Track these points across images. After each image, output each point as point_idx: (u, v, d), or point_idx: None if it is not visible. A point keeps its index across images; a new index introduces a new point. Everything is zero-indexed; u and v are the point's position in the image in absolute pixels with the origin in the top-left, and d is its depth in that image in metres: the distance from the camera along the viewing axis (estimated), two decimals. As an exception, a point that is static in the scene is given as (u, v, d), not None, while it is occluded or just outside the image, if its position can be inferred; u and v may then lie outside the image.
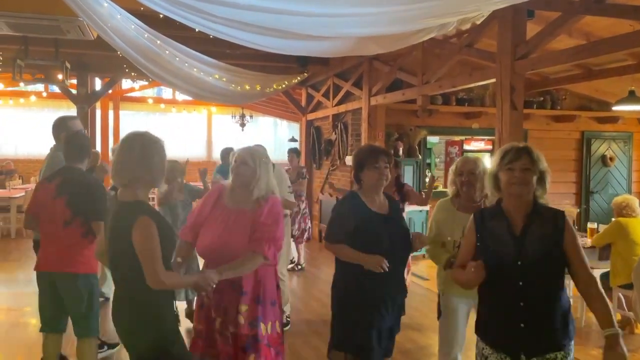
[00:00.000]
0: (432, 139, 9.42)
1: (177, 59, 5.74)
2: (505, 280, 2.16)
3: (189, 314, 4.90)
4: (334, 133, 9.21)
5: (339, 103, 8.92)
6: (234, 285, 2.75)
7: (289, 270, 6.15)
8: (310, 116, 10.41)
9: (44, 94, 14.42)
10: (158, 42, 5.40)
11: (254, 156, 2.84)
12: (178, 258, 2.82)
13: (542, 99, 8.76)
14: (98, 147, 11.47)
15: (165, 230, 2.33)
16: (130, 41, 5.18)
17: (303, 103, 10.71)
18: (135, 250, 2.22)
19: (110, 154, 9.45)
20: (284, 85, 8.61)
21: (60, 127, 3.74)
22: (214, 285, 2.49)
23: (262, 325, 2.77)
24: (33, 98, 14.50)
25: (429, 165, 9.59)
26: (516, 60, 4.75)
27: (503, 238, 2.19)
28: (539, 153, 2.21)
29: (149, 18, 5.25)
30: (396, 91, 7.10)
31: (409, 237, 2.90)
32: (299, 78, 9.00)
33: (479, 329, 2.30)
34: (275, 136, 17.49)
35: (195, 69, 6.09)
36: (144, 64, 5.56)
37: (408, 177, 8.52)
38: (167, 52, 5.56)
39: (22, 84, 12.86)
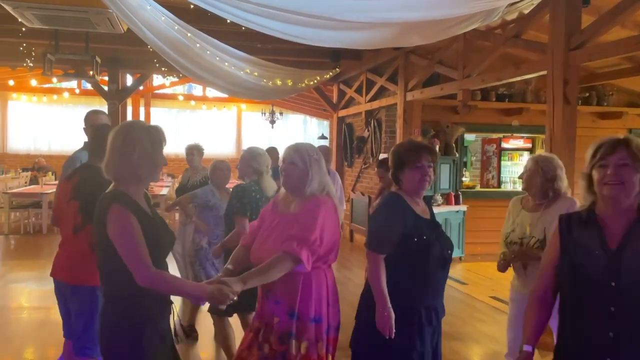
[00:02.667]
0: (469, 137, 9.06)
1: (208, 52, 5.56)
2: (592, 303, 1.75)
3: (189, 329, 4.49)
4: (366, 130, 8.94)
5: (372, 99, 8.64)
6: (268, 292, 2.46)
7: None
8: (342, 113, 10.15)
9: (77, 91, 14.57)
10: (188, 34, 5.23)
11: (302, 154, 2.51)
12: (229, 265, 2.56)
13: (587, 94, 8.29)
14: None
15: (149, 226, 2.05)
16: (160, 33, 5.02)
17: (335, 99, 10.46)
18: (112, 244, 1.96)
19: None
20: (315, 81, 8.37)
21: (85, 121, 3.55)
22: (235, 298, 2.12)
23: (294, 343, 2.39)
24: (66, 95, 14.67)
25: (465, 164, 9.24)
26: (570, 51, 4.40)
27: (593, 251, 1.78)
28: None
29: (180, 10, 5.10)
30: (434, 86, 6.78)
31: (452, 246, 2.62)
32: (331, 73, 8.76)
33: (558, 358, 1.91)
34: (305, 133, 17.31)
35: (226, 63, 5.90)
36: (174, 58, 5.40)
37: (444, 176, 8.19)
38: (197, 45, 5.38)
39: (54, 80, 13.00)
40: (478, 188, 8.93)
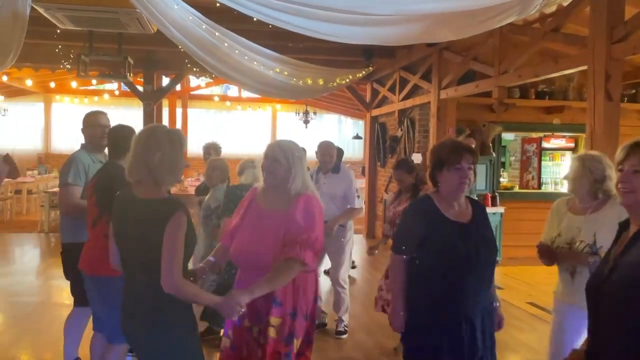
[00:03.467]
0: (507, 136, 8.76)
1: (237, 51, 5.52)
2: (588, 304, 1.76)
3: (212, 316, 4.49)
4: (399, 129, 8.75)
5: (406, 97, 8.46)
6: (267, 293, 2.41)
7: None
8: (375, 112, 9.99)
9: (117, 92, 14.90)
10: (216, 34, 5.20)
11: (286, 152, 2.49)
12: (211, 257, 2.61)
13: (633, 91, 7.88)
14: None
15: (191, 234, 2.12)
16: (188, 33, 5.00)
17: (368, 98, 10.32)
18: (161, 242, 2.02)
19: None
20: (347, 80, 8.25)
21: (83, 122, 3.67)
22: (242, 309, 2.16)
23: (295, 342, 2.44)
24: (106, 96, 15.02)
25: (503, 164, 8.93)
26: (612, 44, 4.13)
27: (609, 255, 1.75)
28: None
29: (206, 9, 5.07)
30: (468, 83, 6.55)
31: (494, 248, 2.48)
32: (363, 72, 8.61)
33: None
34: (340, 133, 17.20)
35: (255, 62, 5.86)
36: (203, 57, 5.38)
37: (480, 177, 7.94)
38: (225, 44, 5.35)
39: (93, 82, 13.34)
40: (517, 189, 8.62)
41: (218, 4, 4.56)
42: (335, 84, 7.86)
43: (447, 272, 2.35)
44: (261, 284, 2.27)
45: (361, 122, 15.31)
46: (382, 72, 9.24)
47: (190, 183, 11.59)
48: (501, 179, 8.65)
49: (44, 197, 9.96)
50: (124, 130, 3.17)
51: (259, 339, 2.45)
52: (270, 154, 2.50)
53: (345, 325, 4.72)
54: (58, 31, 6.30)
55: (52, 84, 12.94)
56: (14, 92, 14.01)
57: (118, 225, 2.23)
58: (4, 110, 12.95)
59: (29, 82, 12.05)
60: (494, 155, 8.02)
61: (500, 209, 7.69)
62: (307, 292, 2.48)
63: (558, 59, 5.11)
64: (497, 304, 2.56)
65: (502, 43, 5.77)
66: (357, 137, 15.10)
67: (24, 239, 9.24)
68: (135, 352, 2.25)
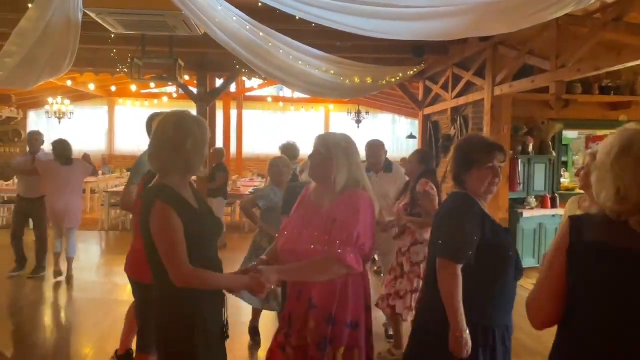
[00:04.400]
0: (569, 134, 8.28)
1: (281, 51, 5.49)
2: None
3: (253, 330, 4.54)
4: (452, 128, 8.47)
5: (459, 95, 8.17)
6: (300, 293, 2.31)
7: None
8: (428, 110, 9.73)
9: (174, 95, 15.34)
10: (260, 34, 5.19)
11: (329, 143, 2.34)
12: (264, 256, 2.51)
13: None
14: (220, 146, 11.84)
15: (191, 218, 1.99)
16: (232, 34, 5.02)
17: (420, 97, 10.07)
18: (152, 244, 1.94)
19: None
20: (398, 78, 8.06)
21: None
22: (272, 287, 2.07)
23: (331, 351, 2.25)
24: (165, 99, 15.51)
25: (564, 164, 8.45)
26: (682, 31, 3.78)
27: None
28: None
29: (250, 9, 5.07)
30: (524, 79, 6.22)
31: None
32: (415, 70, 8.39)
33: None
34: (394, 133, 16.93)
35: (300, 62, 5.81)
36: (248, 58, 5.39)
37: (539, 177, 7.55)
38: (270, 44, 5.33)
39: (152, 85, 13.78)
40: (580, 190, 8.13)
41: (260, 4, 4.55)
42: (384, 82, 7.70)
43: (503, 278, 2.17)
44: (293, 268, 2.18)
45: (416, 121, 15.03)
46: (435, 70, 8.98)
47: (244, 183, 11.75)
48: (562, 180, 8.18)
49: (104, 197, 10.38)
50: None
51: (297, 341, 2.34)
52: (314, 146, 2.41)
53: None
54: (112, 36, 6.52)
55: (113, 88, 13.48)
56: (79, 97, 14.72)
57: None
58: (70, 113, 13.60)
59: (91, 87, 12.60)
60: (554, 154, 7.60)
61: (560, 211, 7.26)
62: (348, 298, 2.27)
63: (621, 50, 4.74)
64: None
65: (560, 35, 5.43)
66: (411, 136, 14.79)
67: (87, 236, 9.65)
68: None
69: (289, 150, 5.64)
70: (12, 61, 5.49)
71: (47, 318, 5.37)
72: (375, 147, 4.82)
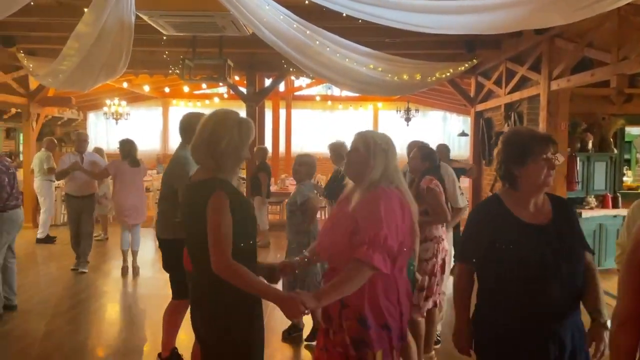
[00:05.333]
0: (633, 130, 7.84)
1: (328, 49, 5.47)
2: None
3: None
4: (506, 124, 8.18)
5: (513, 90, 7.88)
6: None
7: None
8: (480, 107, 9.45)
9: (225, 95, 15.62)
10: (307, 32, 5.19)
11: (367, 141, 2.28)
12: (306, 252, 2.50)
13: None
14: (268, 146, 11.97)
15: (243, 214, 2.06)
16: (279, 33, 5.04)
17: (472, 93, 9.79)
18: (205, 233, 2.02)
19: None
20: (448, 74, 7.86)
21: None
22: (307, 312, 1.99)
23: (369, 353, 2.19)
24: (216, 100, 15.82)
25: (627, 161, 8.01)
26: None
27: None
28: None
29: (296, 8, 5.07)
30: (583, 72, 5.92)
31: (579, 253, 2.12)
32: (466, 65, 8.17)
33: None
34: (445, 130, 16.60)
35: (347, 59, 5.76)
36: (295, 56, 5.40)
37: (599, 175, 7.18)
38: (317, 42, 5.32)
39: (204, 86, 14.07)
40: (644, 189, 7.69)
41: (307, 2, 4.55)
42: (434, 78, 7.53)
43: (525, 283, 2.03)
44: (328, 289, 2.11)
45: (467, 118, 14.67)
46: (487, 65, 8.70)
47: (292, 182, 11.80)
48: (625, 178, 7.76)
49: (157, 195, 10.67)
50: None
51: (334, 341, 2.30)
52: (352, 143, 2.36)
53: (438, 335, 4.45)
54: (164, 38, 6.69)
55: (167, 89, 13.86)
56: (135, 98, 15.23)
57: (182, 213, 2.25)
58: (127, 114, 14.10)
59: (146, 88, 13.01)
60: (616, 151, 7.21)
61: (623, 212, 6.89)
62: (377, 297, 2.19)
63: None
64: (603, 320, 2.08)
65: (621, 26, 5.12)
66: (462, 134, 14.45)
67: (141, 233, 9.95)
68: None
69: (337, 149, 5.62)
70: (71, 64, 5.74)
71: (103, 312, 5.56)
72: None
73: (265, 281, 2.31)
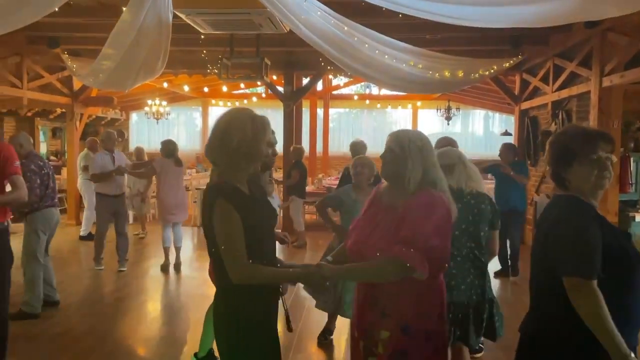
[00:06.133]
0: (692, 129, 7.36)
1: (366, 45, 5.31)
2: None
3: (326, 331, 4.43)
4: (553, 123, 7.83)
5: (561, 88, 7.52)
6: (372, 300, 2.15)
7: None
8: (525, 105, 9.10)
9: (263, 95, 15.66)
10: (345, 28, 5.05)
11: (402, 140, 2.18)
12: (329, 257, 2.42)
13: None
14: (305, 145, 11.90)
15: (252, 218, 2.01)
16: (317, 29, 4.92)
17: (517, 91, 9.43)
18: (214, 240, 2.01)
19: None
20: (492, 71, 7.57)
21: None
22: (327, 283, 2.05)
23: None
24: (254, 99, 15.88)
25: (685, 163, 7.53)
26: None
27: None
28: None
29: (334, 3, 4.95)
30: (638, 67, 5.57)
31: None
32: (511, 61, 7.85)
33: None
34: (486, 130, 16.15)
35: (386, 56, 5.59)
36: (332, 53, 5.27)
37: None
38: (355, 38, 5.17)
39: (242, 85, 14.13)
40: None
41: (345, -4, 4.42)
42: (477, 75, 7.26)
43: (631, 290, 1.86)
44: (352, 267, 2.12)
45: (511, 117, 14.22)
46: (533, 61, 8.35)
47: (330, 182, 11.70)
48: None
49: (197, 194, 10.76)
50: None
51: (367, 354, 2.20)
52: (386, 144, 2.27)
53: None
54: (202, 37, 6.68)
55: (206, 89, 13.97)
56: (175, 98, 15.45)
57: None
58: (167, 114, 14.29)
59: (186, 88, 13.15)
60: (673, 152, 6.80)
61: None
62: (421, 304, 2.09)
63: None
64: None
65: (684, 16, 4.77)
66: (506, 133, 13.99)
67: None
68: None
69: (353, 146, 5.47)
70: (110, 64, 5.79)
71: (144, 309, 5.58)
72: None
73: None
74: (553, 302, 1.92)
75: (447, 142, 4.04)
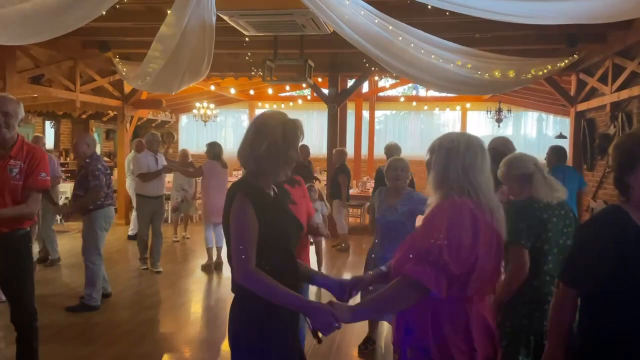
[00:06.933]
0: None
1: (412, 45, 5.16)
2: None
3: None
4: (612, 126, 7.40)
5: (620, 88, 7.10)
6: (399, 316, 1.98)
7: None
8: (581, 106, 8.65)
9: (309, 97, 15.66)
10: (390, 27, 4.91)
11: (432, 144, 2.00)
12: (383, 267, 2.23)
13: None
14: (350, 148, 11.80)
15: (270, 221, 1.93)
16: (359, 29, 4.81)
17: (572, 92, 8.99)
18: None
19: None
20: (546, 71, 7.23)
21: None
22: (337, 325, 1.80)
23: None
24: (300, 102, 15.91)
25: None
26: None
27: None
28: None
29: (377, 3, 4.82)
30: None
31: None
32: (566, 61, 7.47)
33: None
34: (540, 133, 15.54)
35: (432, 56, 5.41)
36: (376, 54, 5.14)
37: None
38: (400, 38, 5.03)
39: (287, 88, 14.16)
40: None
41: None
42: (529, 76, 6.94)
43: None
44: (366, 304, 1.94)
45: (566, 119, 13.61)
46: (591, 60, 7.90)
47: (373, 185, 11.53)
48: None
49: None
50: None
51: None
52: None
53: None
54: (247, 40, 6.69)
55: (252, 92, 14.08)
56: (223, 101, 15.66)
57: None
58: (214, 116, 14.49)
59: (232, 91, 13.29)
60: None
61: None
62: (441, 327, 1.84)
63: None
64: None
65: None
66: (560, 136, 13.39)
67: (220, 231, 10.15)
68: None
69: (386, 149, 5.31)
70: (156, 66, 5.87)
71: (186, 308, 5.63)
72: None
73: (335, 296, 2.12)
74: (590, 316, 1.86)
75: (500, 142, 3.83)
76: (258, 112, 17.04)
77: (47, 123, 13.33)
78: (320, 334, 1.89)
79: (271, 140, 1.96)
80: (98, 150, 14.56)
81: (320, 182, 10.68)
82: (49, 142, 13.27)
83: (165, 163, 7.11)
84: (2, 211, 3.01)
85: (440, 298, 1.79)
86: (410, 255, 1.84)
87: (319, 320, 1.81)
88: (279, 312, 1.91)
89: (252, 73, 8.32)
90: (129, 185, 9.34)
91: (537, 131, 15.71)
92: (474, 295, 1.86)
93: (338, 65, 9.13)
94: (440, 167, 1.92)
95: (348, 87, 9.92)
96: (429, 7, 4.28)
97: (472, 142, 1.94)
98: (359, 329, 4.48)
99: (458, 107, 15.59)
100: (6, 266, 3.14)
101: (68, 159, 13.25)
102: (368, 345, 4.33)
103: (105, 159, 14.63)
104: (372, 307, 1.92)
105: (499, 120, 12.98)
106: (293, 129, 2.01)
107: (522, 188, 2.69)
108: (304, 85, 12.88)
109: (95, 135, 15.50)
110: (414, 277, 1.79)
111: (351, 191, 9.24)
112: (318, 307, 1.85)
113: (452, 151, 1.91)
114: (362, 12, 4.69)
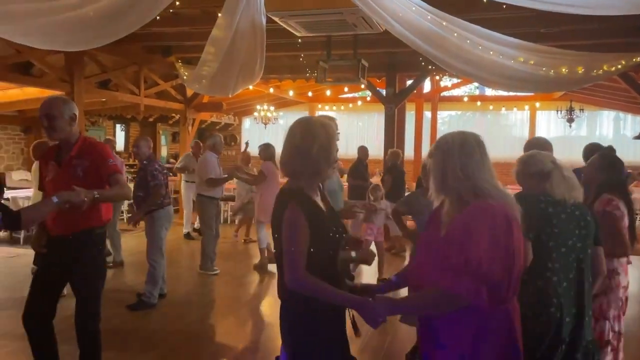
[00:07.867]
0: None
1: (468, 41, 4.90)
2: None
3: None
4: (696, 125, 6.76)
5: None
6: (429, 329, 1.93)
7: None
8: (661, 105, 7.98)
9: (368, 98, 15.50)
10: (444, 23, 4.69)
11: (439, 143, 1.97)
12: (392, 277, 2.26)
13: None
14: (409, 149, 11.53)
15: (319, 219, 2.02)
16: (412, 26, 4.63)
17: (651, 89, 8.31)
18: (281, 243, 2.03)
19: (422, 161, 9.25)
20: (619, 67, 6.67)
21: None
22: (381, 320, 1.86)
23: None
24: (359, 103, 15.79)
25: None
26: None
27: None
28: None
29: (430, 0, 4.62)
30: None
31: None
32: (643, 55, 6.89)
33: None
34: (617, 133, 14.56)
35: (491, 52, 5.11)
36: (429, 51, 4.93)
37: None
38: (455, 34, 4.79)
39: (345, 89, 14.07)
40: None
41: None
42: (600, 72, 6.43)
43: None
44: (406, 302, 1.98)
45: (646, 119, 12.66)
46: (672, 54, 7.27)
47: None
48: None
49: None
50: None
51: None
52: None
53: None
54: (299, 41, 6.66)
55: (310, 94, 14.11)
56: (282, 103, 15.81)
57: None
58: (275, 119, 14.64)
59: (290, 93, 13.37)
60: None
61: None
62: (487, 338, 1.81)
63: None
64: None
65: None
66: (639, 137, 12.51)
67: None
68: None
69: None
70: (210, 69, 5.95)
71: (239, 311, 5.65)
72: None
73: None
74: None
75: (538, 144, 3.53)
76: (318, 114, 17.20)
77: (118, 126, 13.99)
78: (358, 327, 2.09)
79: (319, 142, 2.04)
80: (164, 152, 15.18)
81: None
82: (120, 144, 13.94)
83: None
84: (103, 192, 2.97)
85: (482, 305, 1.76)
86: (446, 268, 1.79)
87: (367, 314, 1.89)
88: (327, 311, 2.02)
89: (307, 75, 8.29)
90: (182, 186, 9.47)
91: (614, 131, 14.74)
92: (514, 295, 1.86)
93: (395, 64, 8.94)
94: (439, 169, 1.92)
95: (406, 86, 9.69)
96: (485, 0, 4.04)
97: (468, 139, 1.92)
98: (411, 333, 4.31)
99: (526, 107, 14.90)
100: (80, 265, 3.09)
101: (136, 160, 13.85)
102: (415, 356, 4.15)
103: (172, 160, 15.17)
104: (411, 307, 2.00)
105: (570, 120, 12.29)
106: (333, 129, 2.10)
107: (539, 186, 2.54)
108: (362, 86, 12.78)
109: (163, 138, 16.09)
110: (454, 292, 1.77)
111: (407, 193, 9.01)
112: (365, 306, 1.91)
113: (448, 152, 1.90)
114: (414, 8, 4.51)
